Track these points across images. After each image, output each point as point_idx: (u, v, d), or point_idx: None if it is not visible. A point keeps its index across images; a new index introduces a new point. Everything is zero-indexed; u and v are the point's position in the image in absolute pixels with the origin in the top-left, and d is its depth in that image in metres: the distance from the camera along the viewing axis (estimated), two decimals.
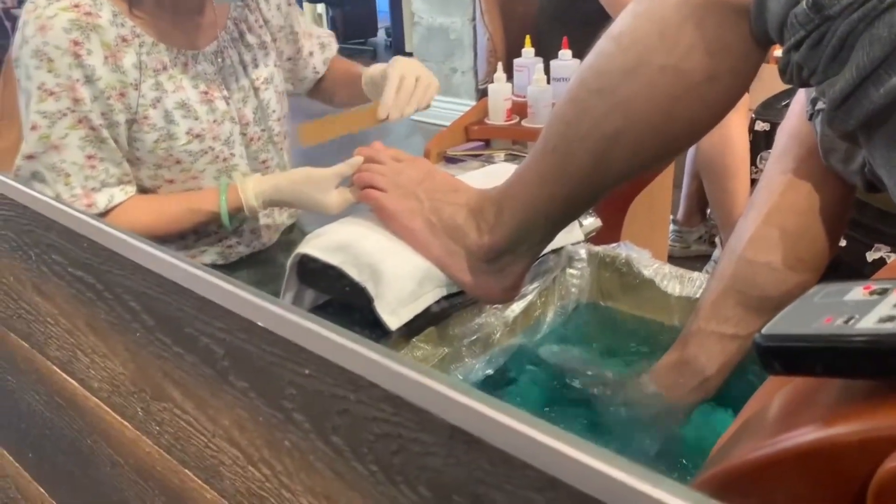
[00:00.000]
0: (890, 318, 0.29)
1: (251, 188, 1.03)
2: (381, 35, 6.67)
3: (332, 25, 6.25)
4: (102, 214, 1.02)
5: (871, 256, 1.70)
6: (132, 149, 1.03)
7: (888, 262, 1.66)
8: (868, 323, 0.29)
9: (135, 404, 0.48)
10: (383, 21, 6.56)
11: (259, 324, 0.33)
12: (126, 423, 0.50)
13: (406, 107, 1.06)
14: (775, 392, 0.39)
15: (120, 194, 1.02)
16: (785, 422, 0.32)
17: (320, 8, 6.55)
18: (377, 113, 1.06)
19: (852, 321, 0.30)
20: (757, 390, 0.47)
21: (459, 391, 0.26)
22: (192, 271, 0.36)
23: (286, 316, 0.32)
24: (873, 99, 0.49)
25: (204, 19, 1.08)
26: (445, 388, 0.26)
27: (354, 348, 0.29)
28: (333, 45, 1.32)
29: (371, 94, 1.20)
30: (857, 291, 0.32)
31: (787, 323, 0.32)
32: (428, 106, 1.10)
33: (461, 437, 0.26)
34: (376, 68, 1.19)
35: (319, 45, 1.29)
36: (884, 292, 0.31)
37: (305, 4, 6.60)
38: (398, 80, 1.07)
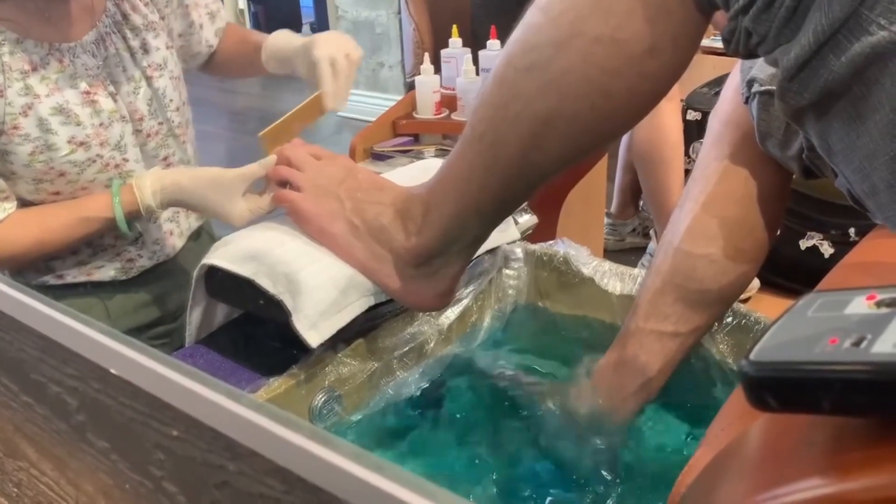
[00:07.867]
0: None
1: (148, 184, 0.91)
2: (306, 30, 6.51)
3: (255, 21, 6.08)
4: None
5: (804, 244, 1.70)
6: (5, 162, 0.91)
7: (821, 249, 1.66)
8: (886, 346, 0.23)
9: None
10: (307, 16, 6.41)
11: (112, 371, 0.25)
12: None
13: (346, 91, 0.97)
14: (750, 413, 0.33)
15: None
16: (778, 466, 0.26)
17: (242, 3, 6.35)
18: (322, 104, 0.96)
19: (865, 343, 0.24)
20: (724, 405, 0.41)
21: (369, 466, 0.19)
22: (27, 302, 0.28)
23: (144, 363, 0.24)
24: (832, 68, 0.43)
25: (76, 4, 0.94)
26: (351, 463, 0.19)
27: (228, 407, 0.21)
28: (223, 13, 1.18)
29: (274, 68, 1.08)
30: (860, 303, 0.26)
31: (781, 346, 0.25)
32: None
33: None
34: (280, 39, 1.07)
35: (209, 15, 1.15)
36: (894, 303, 0.25)
37: None
38: (329, 64, 0.96)
